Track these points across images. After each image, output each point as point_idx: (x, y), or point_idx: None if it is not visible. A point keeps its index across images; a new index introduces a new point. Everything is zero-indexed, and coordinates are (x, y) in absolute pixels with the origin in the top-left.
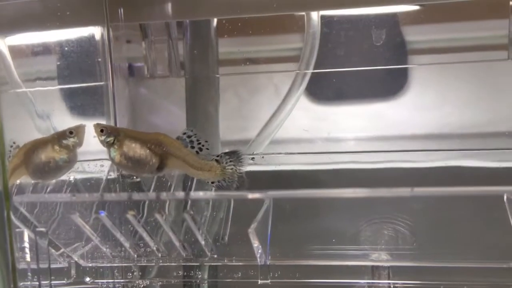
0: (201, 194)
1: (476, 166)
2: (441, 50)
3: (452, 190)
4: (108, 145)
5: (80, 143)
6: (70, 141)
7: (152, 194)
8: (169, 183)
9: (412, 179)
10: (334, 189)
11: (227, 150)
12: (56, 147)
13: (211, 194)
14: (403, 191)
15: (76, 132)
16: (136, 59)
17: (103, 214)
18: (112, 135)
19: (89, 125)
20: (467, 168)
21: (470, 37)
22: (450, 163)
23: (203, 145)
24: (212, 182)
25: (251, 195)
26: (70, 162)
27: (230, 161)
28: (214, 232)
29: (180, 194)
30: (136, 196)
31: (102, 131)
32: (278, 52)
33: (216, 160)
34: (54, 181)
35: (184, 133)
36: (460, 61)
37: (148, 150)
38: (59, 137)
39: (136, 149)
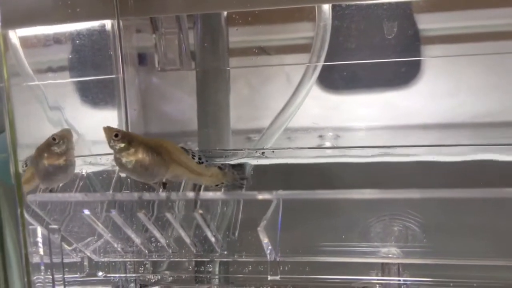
0: (210, 194)
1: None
2: (455, 39)
3: (462, 192)
4: (120, 150)
5: (71, 147)
6: (57, 147)
7: (162, 195)
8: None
9: (422, 172)
10: (343, 190)
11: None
12: (46, 155)
13: (220, 194)
14: (413, 192)
15: (59, 138)
16: (146, 49)
17: (114, 213)
18: (125, 141)
19: (99, 114)
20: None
21: (485, 25)
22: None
23: (200, 158)
24: (217, 185)
25: (260, 196)
26: (65, 167)
27: (233, 169)
28: (224, 227)
29: (190, 194)
30: (147, 196)
31: (116, 135)
32: (290, 41)
33: (219, 167)
34: None
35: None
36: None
37: (158, 157)
38: (48, 145)
39: (149, 156)
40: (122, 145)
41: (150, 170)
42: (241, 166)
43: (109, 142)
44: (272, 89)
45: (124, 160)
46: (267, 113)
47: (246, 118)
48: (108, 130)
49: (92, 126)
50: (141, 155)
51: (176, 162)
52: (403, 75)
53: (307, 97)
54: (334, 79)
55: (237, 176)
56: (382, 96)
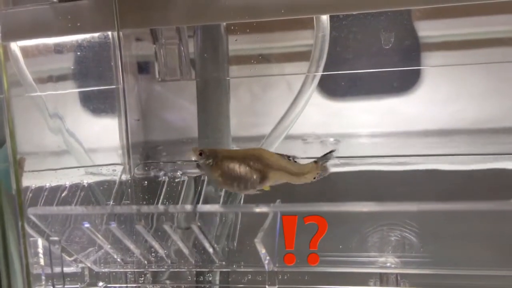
0: (208, 207)
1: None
2: (454, 46)
3: (458, 205)
4: (208, 167)
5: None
6: None
7: (160, 207)
8: (179, 187)
9: (424, 180)
10: (340, 203)
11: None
12: None
13: (218, 207)
14: (409, 205)
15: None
16: (146, 57)
17: (113, 225)
18: (211, 157)
19: (100, 123)
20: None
21: (484, 32)
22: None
23: (293, 158)
24: (314, 178)
25: (257, 209)
26: None
27: (324, 158)
28: (224, 236)
29: (188, 207)
30: (145, 209)
31: (201, 154)
32: (290, 49)
33: (314, 162)
34: (67, 185)
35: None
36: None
37: (248, 167)
38: None
39: (236, 168)
40: (208, 161)
41: (240, 180)
42: (330, 153)
43: (198, 162)
44: (273, 96)
45: (213, 175)
46: (268, 120)
47: (247, 125)
48: (193, 150)
49: (94, 135)
50: (228, 168)
51: (274, 167)
52: (404, 81)
53: (307, 105)
54: (335, 87)
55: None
56: (383, 103)
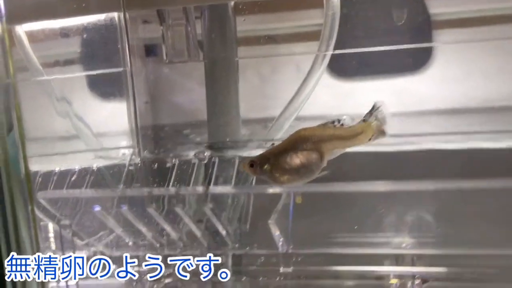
0: (219, 188)
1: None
2: (466, 23)
3: (474, 183)
4: (266, 173)
5: None
6: None
7: (171, 189)
8: (190, 170)
9: (436, 159)
10: (355, 182)
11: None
12: None
13: (230, 188)
14: (426, 185)
15: None
16: (153, 40)
17: (124, 208)
18: (263, 163)
19: (108, 107)
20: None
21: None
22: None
23: (338, 121)
24: (370, 139)
25: (271, 190)
26: None
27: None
28: (236, 218)
29: (199, 189)
30: (156, 191)
31: (252, 165)
32: (299, 28)
33: (363, 120)
34: (77, 170)
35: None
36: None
37: (303, 151)
38: None
39: (294, 157)
40: (263, 168)
41: (306, 167)
42: (373, 106)
43: (254, 174)
44: (282, 78)
45: (276, 178)
46: (278, 102)
47: (256, 107)
48: (243, 166)
49: (102, 118)
50: (286, 163)
51: (324, 139)
52: (415, 60)
53: (317, 85)
54: (345, 66)
55: (379, 118)
56: (394, 82)
